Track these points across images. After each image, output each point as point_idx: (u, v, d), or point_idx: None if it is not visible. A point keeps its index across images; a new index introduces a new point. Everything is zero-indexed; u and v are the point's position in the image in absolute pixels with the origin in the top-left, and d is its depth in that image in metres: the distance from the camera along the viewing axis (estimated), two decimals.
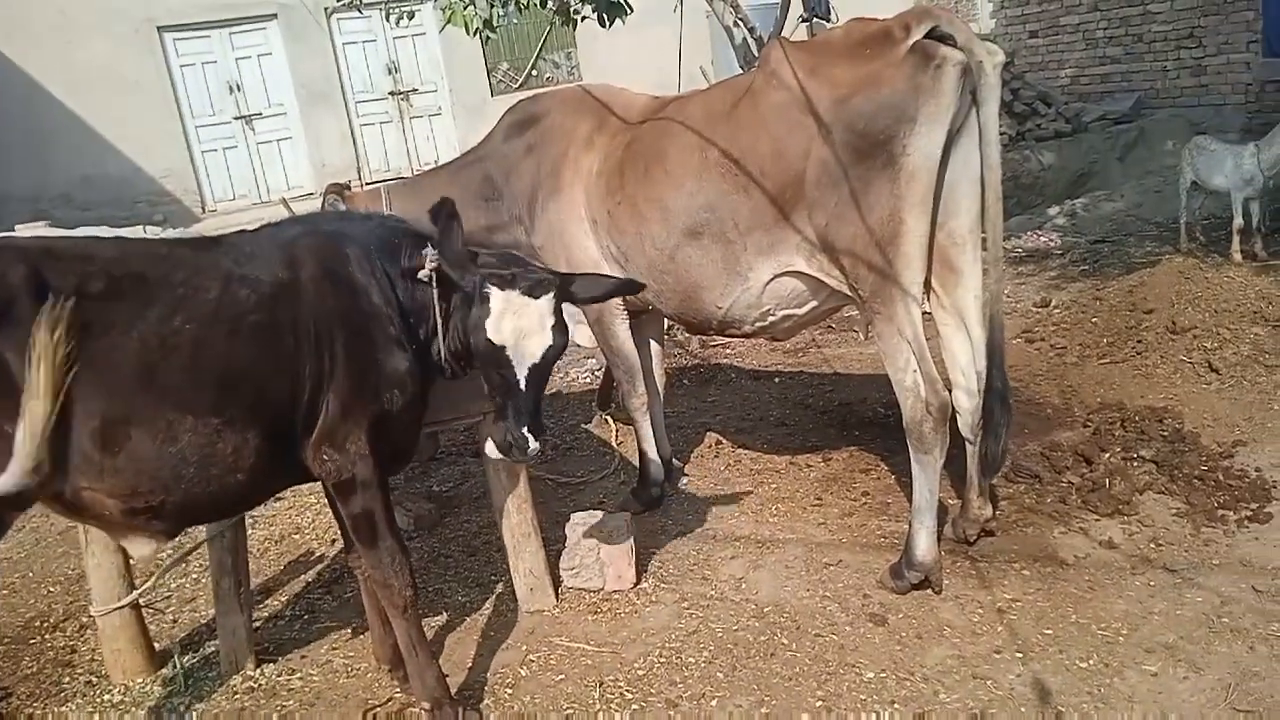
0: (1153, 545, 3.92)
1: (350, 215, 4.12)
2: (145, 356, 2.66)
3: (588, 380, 6.94)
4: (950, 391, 3.75)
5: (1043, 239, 9.25)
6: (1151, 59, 12.31)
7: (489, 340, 2.92)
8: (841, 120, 3.48)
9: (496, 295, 2.92)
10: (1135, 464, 4.49)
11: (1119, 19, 12.64)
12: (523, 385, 2.96)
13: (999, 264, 3.70)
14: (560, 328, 3.00)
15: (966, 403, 3.83)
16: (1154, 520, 4.09)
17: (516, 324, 2.92)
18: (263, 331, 2.84)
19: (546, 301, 2.96)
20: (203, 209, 14.40)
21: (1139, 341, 5.84)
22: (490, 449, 3.15)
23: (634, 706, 3.29)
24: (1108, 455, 4.57)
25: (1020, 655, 3.33)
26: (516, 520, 3.91)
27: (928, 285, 3.72)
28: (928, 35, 3.41)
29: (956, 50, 3.37)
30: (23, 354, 2.49)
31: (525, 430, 2.97)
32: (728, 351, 7.19)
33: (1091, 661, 3.26)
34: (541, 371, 3.00)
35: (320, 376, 2.93)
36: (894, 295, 3.53)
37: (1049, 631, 3.44)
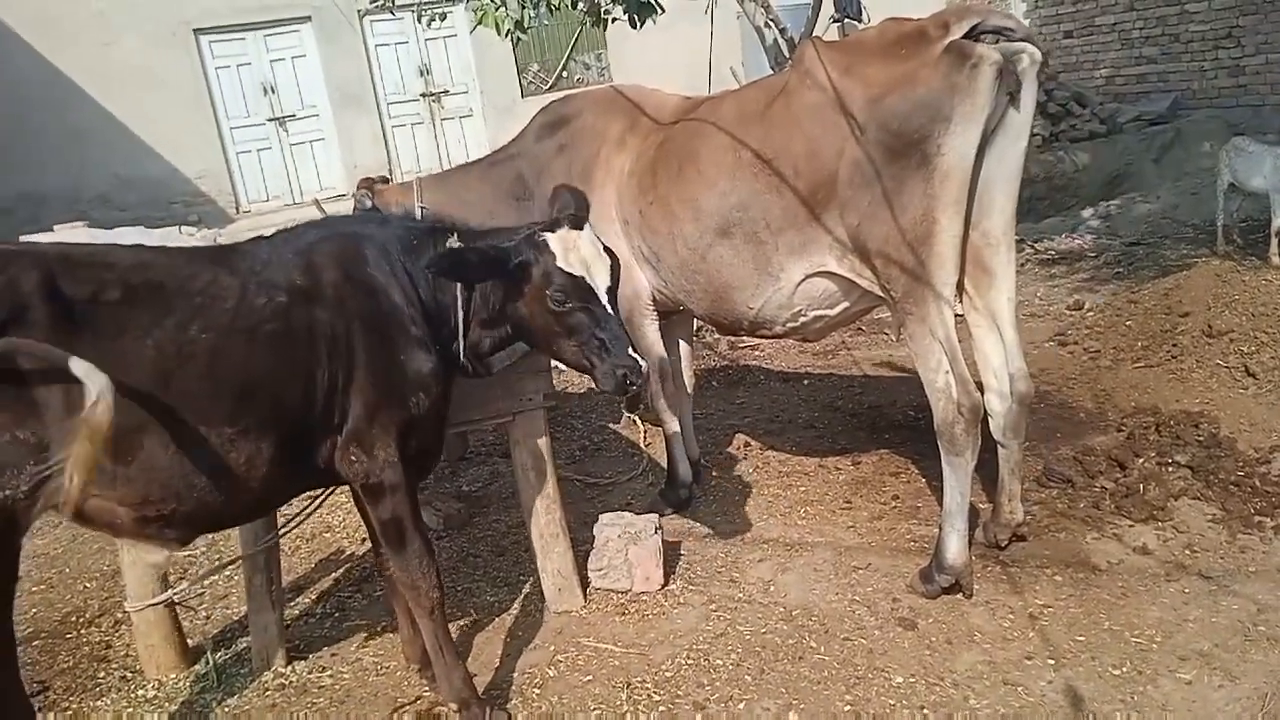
0: (1188, 552, 3.86)
1: (370, 216, 4.15)
2: (161, 365, 2.65)
3: None
4: (982, 394, 3.72)
5: (1076, 241, 9.14)
6: (1189, 59, 12.16)
7: (570, 275, 3.04)
8: (875, 119, 3.46)
9: (552, 238, 3.08)
10: (1170, 469, 4.43)
11: (1156, 19, 12.49)
12: (610, 310, 3.07)
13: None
14: (609, 250, 3.18)
15: (999, 405, 3.79)
16: (1189, 526, 4.03)
17: (581, 254, 3.08)
18: (278, 339, 2.82)
19: (589, 230, 3.16)
20: (237, 210, 14.55)
21: (1174, 345, 5.76)
22: (608, 385, 3.08)
23: (662, 708, 3.28)
24: (1142, 460, 4.51)
25: (1052, 662, 3.29)
26: (545, 520, 3.91)
27: (960, 287, 3.69)
28: (971, 33, 3.38)
29: (993, 50, 3.34)
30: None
31: (631, 351, 3.02)
32: (756, 353, 7.17)
33: (1125, 669, 3.22)
34: (616, 296, 3.14)
35: (338, 382, 2.92)
36: (926, 296, 3.50)
37: (1081, 638, 3.40)
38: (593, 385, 6.98)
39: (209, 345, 2.72)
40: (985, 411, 3.70)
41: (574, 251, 3.06)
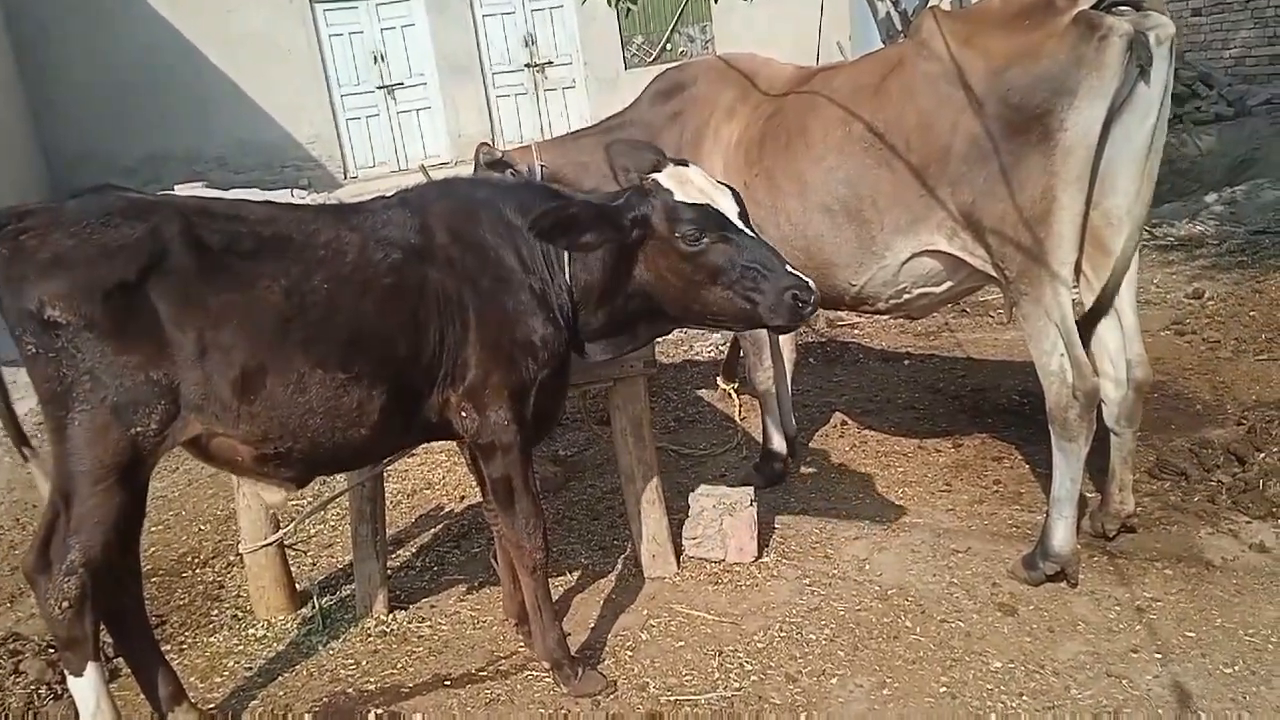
0: None
1: (489, 180, 4.19)
2: (285, 312, 2.79)
3: (711, 353, 6.94)
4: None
5: (1197, 227, 8.75)
6: None
7: (696, 206, 2.89)
8: (995, 92, 3.36)
9: (662, 177, 2.99)
10: None
11: None
12: (752, 234, 2.92)
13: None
14: (724, 182, 3.07)
15: (1114, 393, 3.66)
16: None
17: (698, 185, 2.96)
18: (392, 293, 2.93)
19: (696, 167, 3.07)
20: (344, 175, 14.95)
21: None
22: (773, 318, 2.90)
23: (754, 677, 3.29)
24: (1263, 455, 4.31)
25: (1159, 656, 3.19)
26: (642, 486, 3.94)
27: (1078, 268, 3.57)
28: (1100, 4, 3.26)
29: (1124, 21, 3.21)
30: (174, 302, 2.66)
31: (790, 269, 2.85)
32: (855, 331, 7.07)
33: (1237, 668, 3.10)
34: (749, 223, 2.97)
35: (448, 339, 2.99)
36: (1042, 276, 3.40)
37: (1191, 634, 3.28)
38: (688, 356, 6.96)
39: (329, 295, 2.84)
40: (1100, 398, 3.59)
41: (690, 184, 2.93)
